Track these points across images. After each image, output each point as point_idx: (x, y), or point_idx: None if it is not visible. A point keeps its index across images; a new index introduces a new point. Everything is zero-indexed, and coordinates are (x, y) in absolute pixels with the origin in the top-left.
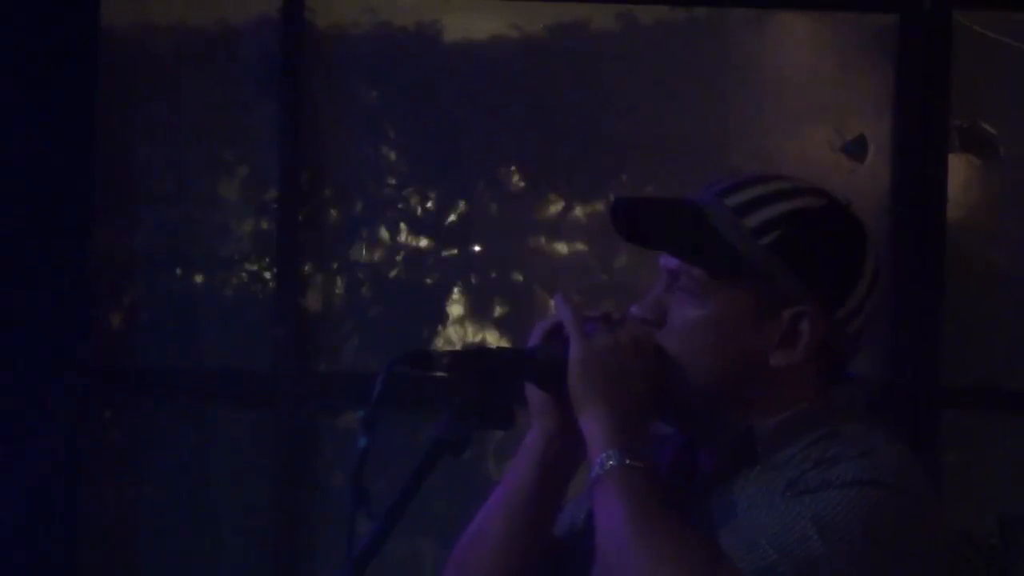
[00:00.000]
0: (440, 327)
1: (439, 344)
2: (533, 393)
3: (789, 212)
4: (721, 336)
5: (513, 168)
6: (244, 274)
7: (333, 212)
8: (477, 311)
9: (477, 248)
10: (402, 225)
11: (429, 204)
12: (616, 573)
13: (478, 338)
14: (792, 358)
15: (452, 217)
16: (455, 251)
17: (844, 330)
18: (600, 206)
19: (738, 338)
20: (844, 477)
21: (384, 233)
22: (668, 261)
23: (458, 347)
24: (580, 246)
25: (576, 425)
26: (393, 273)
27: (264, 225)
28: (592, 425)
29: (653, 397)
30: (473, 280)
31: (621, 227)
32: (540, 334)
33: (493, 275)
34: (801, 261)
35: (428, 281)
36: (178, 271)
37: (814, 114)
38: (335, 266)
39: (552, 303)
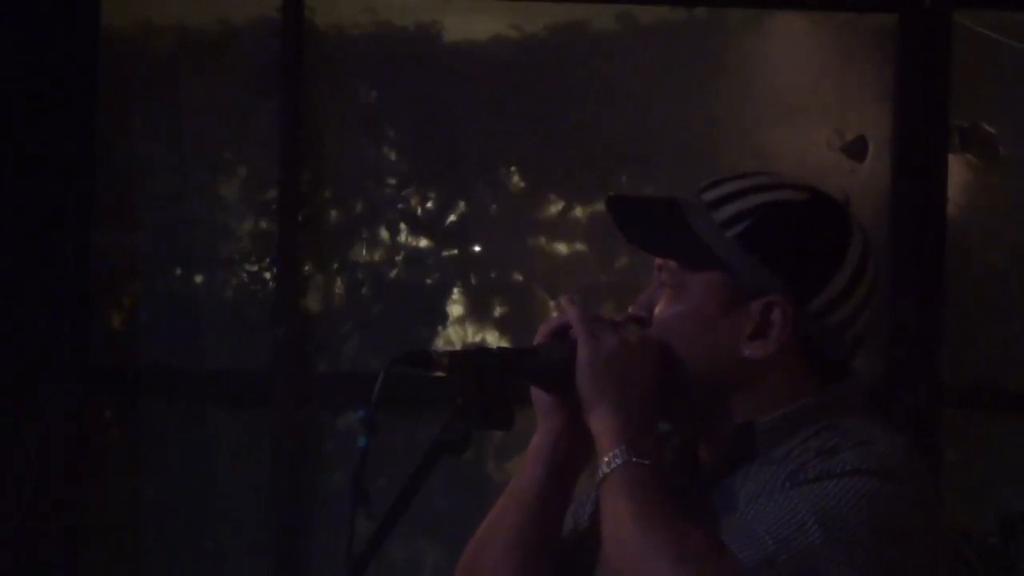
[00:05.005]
0: (440, 327)
1: (439, 344)
2: (538, 393)
3: (760, 204)
4: (697, 328)
5: (513, 168)
6: (244, 274)
7: (333, 212)
8: (477, 311)
9: (477, 248)
10: (402, 225)
11: (429, 204)
12: (621, 569)
13: (478, 338)
14: (767, 349)
15: (452, 217)
16: (455, 251)
17: (822, 322)
18: (600, 206)
19: (712, 330)
20: (843, 466)
21: (384, 233)
22: (656, 258)
23: (458, 347)
24: (580, 246)
25: (582, 424)
26: (393, 273)
27: (264, 225)
28: (600, 424)
29: (659, 395)
30: (473, 280)
31: (617, 225)
32: (545, 334)
33: (493, 275)
34: (769, 252)
35: (428, 281)
36: (178, 271)
37: (814, 114)
38: (335, 266)
39: (555, 304)
